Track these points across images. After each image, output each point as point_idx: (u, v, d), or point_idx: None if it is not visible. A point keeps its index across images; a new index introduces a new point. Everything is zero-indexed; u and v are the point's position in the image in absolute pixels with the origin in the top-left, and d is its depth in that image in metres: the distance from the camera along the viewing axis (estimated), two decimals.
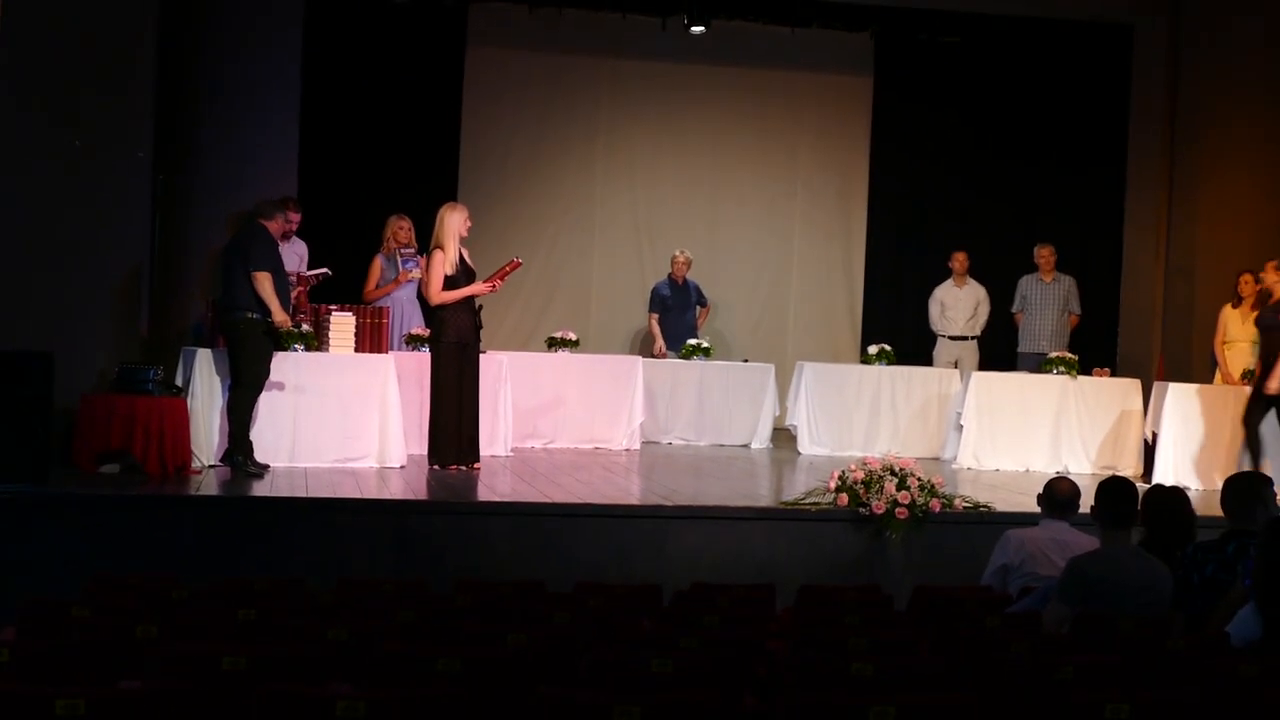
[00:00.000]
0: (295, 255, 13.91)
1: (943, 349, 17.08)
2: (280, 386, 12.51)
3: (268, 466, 12.11)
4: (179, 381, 12.49)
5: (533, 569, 9.91)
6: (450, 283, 12.69)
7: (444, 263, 12.67)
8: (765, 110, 19.42)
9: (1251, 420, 13.58)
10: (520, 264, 13.17)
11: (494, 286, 12.92)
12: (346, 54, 17.51)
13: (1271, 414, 13.59)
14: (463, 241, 12.86)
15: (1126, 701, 5.41)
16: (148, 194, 13.41)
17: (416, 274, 14.10)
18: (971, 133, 19.31)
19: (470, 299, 12.76)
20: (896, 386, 16.00)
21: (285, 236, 13.73)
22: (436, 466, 12.70)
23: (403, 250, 14.61)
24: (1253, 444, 13.57)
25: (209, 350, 12.47)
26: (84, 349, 12.53)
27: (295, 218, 13.78)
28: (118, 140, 12.93)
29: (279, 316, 12.16)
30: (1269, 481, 8.07)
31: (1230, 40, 17.44)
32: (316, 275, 13.78)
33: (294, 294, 12.87)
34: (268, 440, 12.45)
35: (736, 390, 16.44)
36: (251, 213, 12.42)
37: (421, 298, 14.21)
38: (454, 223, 12.77)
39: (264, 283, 12.01)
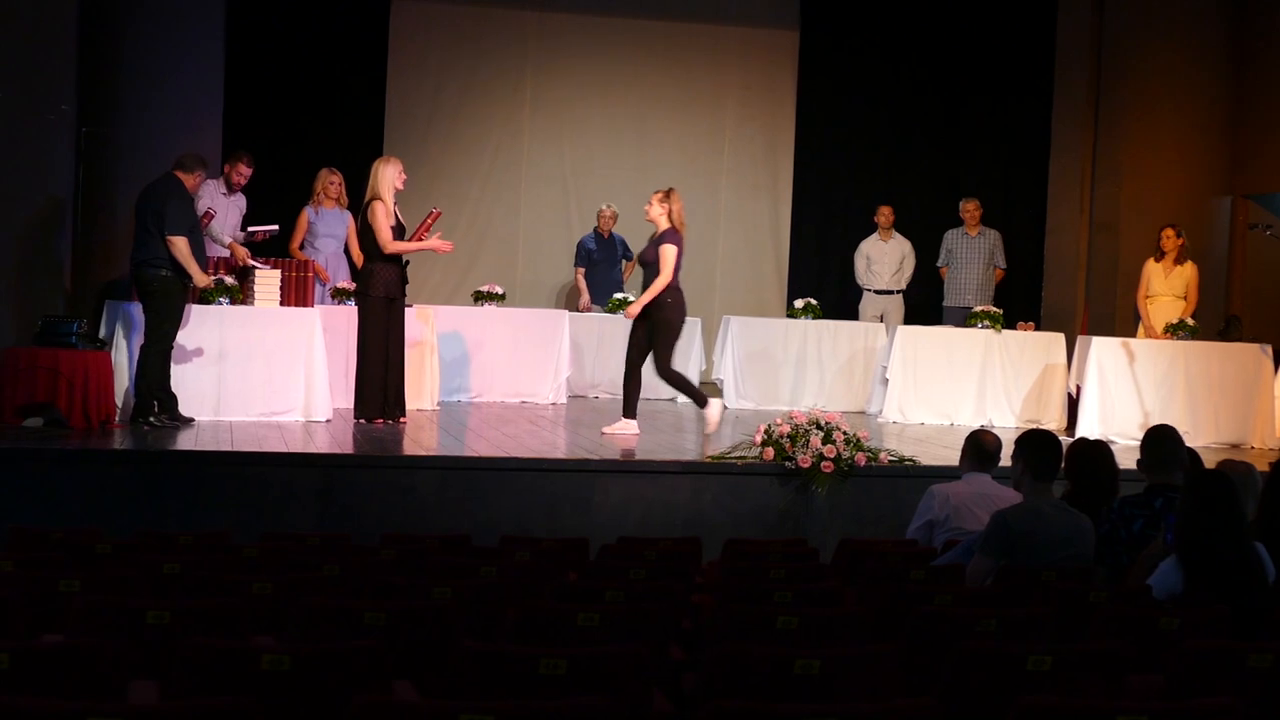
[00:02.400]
0: (236, 209, 13.82)
1: (868, 303, 17.13)
2: (205, 340, 12.45)
3: (191, 420, 12.04)
4: (103, 335, 12.40)
5: (459, 523, 9.93)
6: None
7: (386, 214, 12.61)
8: (692, 64, 19.40)
9: (633, 361, 13.07)
10: (440, 214, 13.10)
11: (451, 246, 13.13)
12: (271, 4, 17.39)
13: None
14: (396, 196, 12.82)
15: (1049, 653, 5.46)
16: (72, 147, 13.29)
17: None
18: (898, 87, 19.36)
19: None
20: (822, 340, 16.05)
21: (232, 190, 13.63)
22: (362, 420, 12.66)
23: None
24: (631, 385, 13.06)
25: (132, 304, 12.38)
26: (7, 302, 12.42)
27: (246, 171, 13.70)
28: (41, 94, 12.79)
29: (200, 281, 12.07)
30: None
31: None
32: (265, 231, 13.70)
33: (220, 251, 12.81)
34: (193, 394, 12.37)
35: None
36: (172, 165, 12.23)
37: (348, 252, 14.18)
38: (389, 175, 12.71)
39: (180, 247, 11.84)
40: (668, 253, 12.53)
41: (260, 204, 14.31)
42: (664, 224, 12.65)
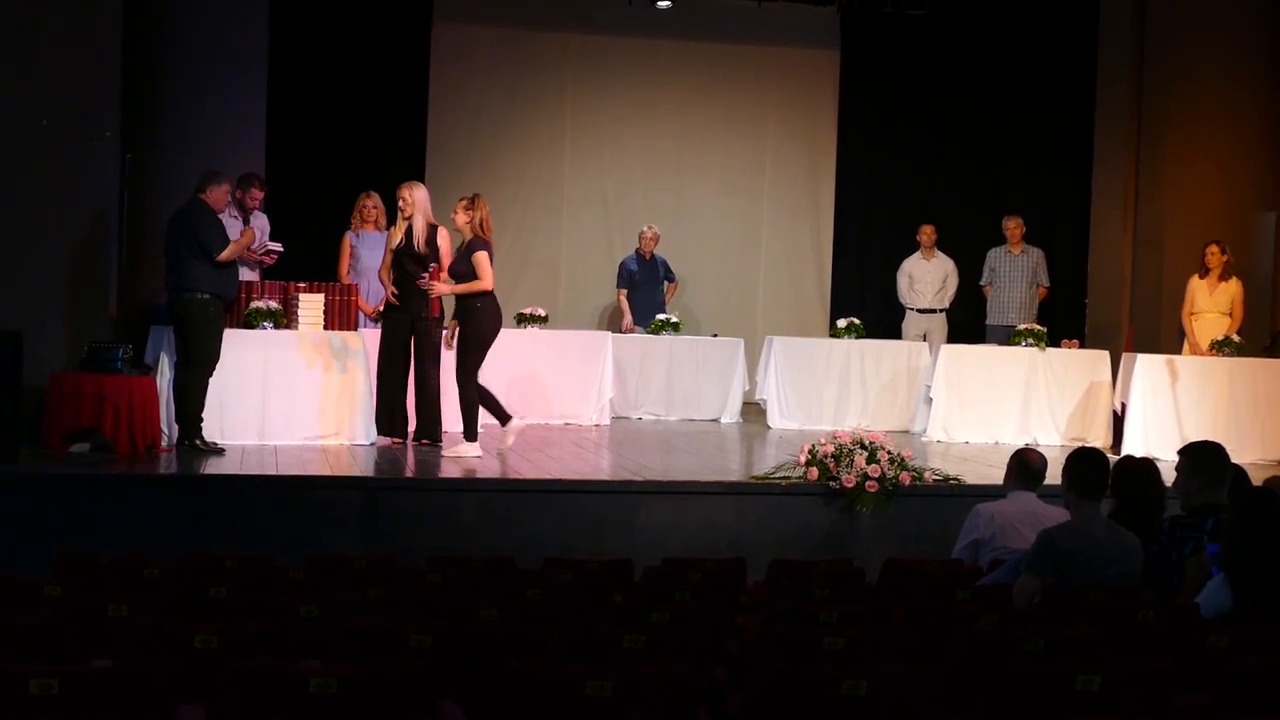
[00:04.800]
0: (257, 230, 13.83)
1: (911, 322, 17.10)
2: (249, 365, 12.50)
3: (221, 449, 12.07)
4: (148, 360, 12.46)
5: (503, 545, 9.91)
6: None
7: (383, 239, 12.70)
8: (733, 85, 19.43)
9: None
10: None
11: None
12: (313, 31, 17.49)
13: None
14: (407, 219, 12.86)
15: (1098, 673, 5.44)
16: (116, 173, 13.34)
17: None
18: (939, 105, 19.34)
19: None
20: (866, 360, 16.01)
21: (246, 212, 13.69)
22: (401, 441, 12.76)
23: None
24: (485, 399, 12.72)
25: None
26: (53, 328, 12.48)
27: (259, 195, 13.73)
28: (85, 120, 12.86)
29: (245, 239, 12.48)
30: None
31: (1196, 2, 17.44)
32: (272, 254, 13.72)
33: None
34: (237, 418, 12.44)
35: (706, 365, 16.43)
36: (194, 189, 12.33)
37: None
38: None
39: (230, 251, 12.17)
40: (483, 259, 12.33)
41: (302, 228, 14.35)
42: (469, 233, 12.45)
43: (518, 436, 12.64)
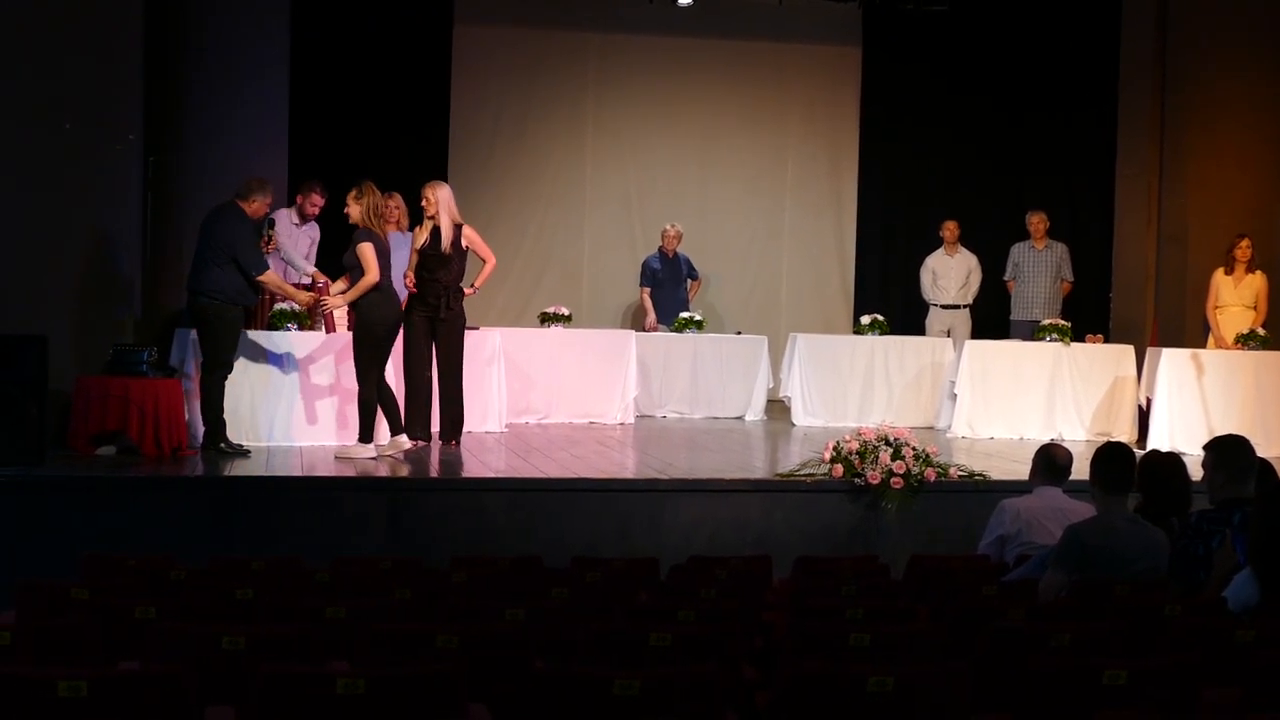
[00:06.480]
0: (307, 239, 13.88)
1: (935, 318, 17.07)
2: (272, 366, 12.52)
3: (247, 451, 12.09)
4: (173, 362, 12.48)
5: (529, 544, 9.92)
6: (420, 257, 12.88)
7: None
8: (754, 82, 19.41)
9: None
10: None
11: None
12: (334, 33, 17.49)
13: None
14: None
15: (1124, 668, 5.42)
16: (139, 176, 13.39)
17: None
18: (961, 101, 19.29)
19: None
20: (890, 356, 16.00)
21: (305, 219, 13.71)
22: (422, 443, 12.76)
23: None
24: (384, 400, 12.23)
25: None
26: (78, 331, 12.52)
27: (320, 201, 13.74)
28: (109, 124, 12.90)
29: (304, 299, 12.45)
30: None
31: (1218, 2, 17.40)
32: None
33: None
34: (263, 419, 12.49)
35: (730, 363, 16.42)
36: (234, 193, 12.31)
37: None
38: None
39: (272, 279, 12.23)
40: (367, 251, 11.86)
41: (325, 229, 14.36)
42: (362, 224, 11.99)
43: (399, 452, 12.17)
